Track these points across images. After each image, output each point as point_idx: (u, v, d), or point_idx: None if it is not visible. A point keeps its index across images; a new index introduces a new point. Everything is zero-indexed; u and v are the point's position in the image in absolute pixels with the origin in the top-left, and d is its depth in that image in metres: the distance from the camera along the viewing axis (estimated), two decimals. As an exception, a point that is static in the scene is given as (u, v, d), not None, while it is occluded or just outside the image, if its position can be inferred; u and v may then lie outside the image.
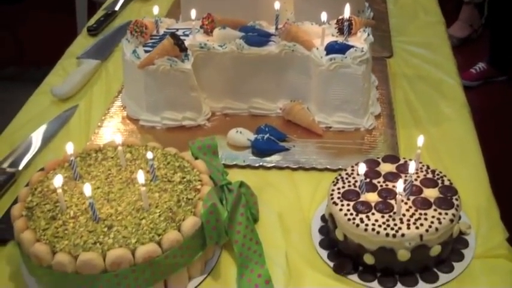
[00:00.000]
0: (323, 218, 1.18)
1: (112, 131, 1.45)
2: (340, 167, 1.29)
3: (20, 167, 1.35)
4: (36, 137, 1.44)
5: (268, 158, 1.35)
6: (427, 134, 1.18)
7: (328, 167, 1.32)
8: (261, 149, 1.36)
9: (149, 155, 1.11)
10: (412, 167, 1.09)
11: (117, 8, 2.05)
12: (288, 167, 1.33)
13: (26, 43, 4.04)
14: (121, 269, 0.97)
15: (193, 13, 1.50)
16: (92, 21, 1.96)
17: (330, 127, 1.43)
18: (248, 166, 1.34)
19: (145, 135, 1.43)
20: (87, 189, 1.02)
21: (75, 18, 3.46)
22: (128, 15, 2.00)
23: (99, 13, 2.03)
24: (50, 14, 4.22)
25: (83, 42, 1.87)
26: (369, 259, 1.06)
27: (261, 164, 1.34)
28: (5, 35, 4.22)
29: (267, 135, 1.37)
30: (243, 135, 1.39)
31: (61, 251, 0.98)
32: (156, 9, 1.53)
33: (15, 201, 1.16)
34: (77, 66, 1.71)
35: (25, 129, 1.47)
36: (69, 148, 1.15)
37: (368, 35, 1.47)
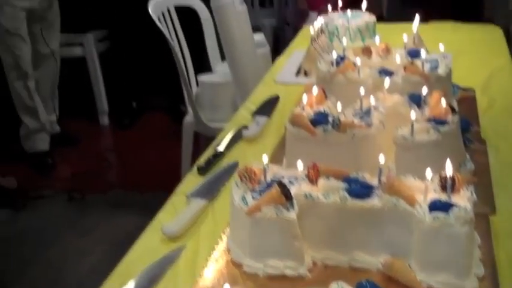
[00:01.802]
0: None
1: (216, 275, 1.50)
2: (443, 330, 1.27)
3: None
4: (144, 277, 1.50)
5: (368, 315, 1.35)
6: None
7: (431, 329, 1.30)
8: (361, 305, 1.37)
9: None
10: None
11: (221, 148, 2.15)
12: (388, 326, 1.32)
13: (129, 167, 4.25)
14: None
15: (299, 164, 1.58)
16: (202, 160, 2.08)
17: (432, 287, 1.42)
18: (348, 323, 1.34)
19: (246, 281, 1.47)
20: None
21: (179, 146, 3.65)
22: (234, 156, 2.11)
23: (208, 152, 2.14)
24: (155, 141, 4.46)
25: (192, 180, 1.98)
26: None
27: (361, 320, 1.34)
28: (111, 159, 4.50)
29: (368, 291, 1.38)
30: (344, 290, 1.40)
31: None
32: (265, 158, 1.61)
33: None
34: (187, 204, 1.80)
35: (135, 266, 1.54)
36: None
37: (471, 193, 1.48)
